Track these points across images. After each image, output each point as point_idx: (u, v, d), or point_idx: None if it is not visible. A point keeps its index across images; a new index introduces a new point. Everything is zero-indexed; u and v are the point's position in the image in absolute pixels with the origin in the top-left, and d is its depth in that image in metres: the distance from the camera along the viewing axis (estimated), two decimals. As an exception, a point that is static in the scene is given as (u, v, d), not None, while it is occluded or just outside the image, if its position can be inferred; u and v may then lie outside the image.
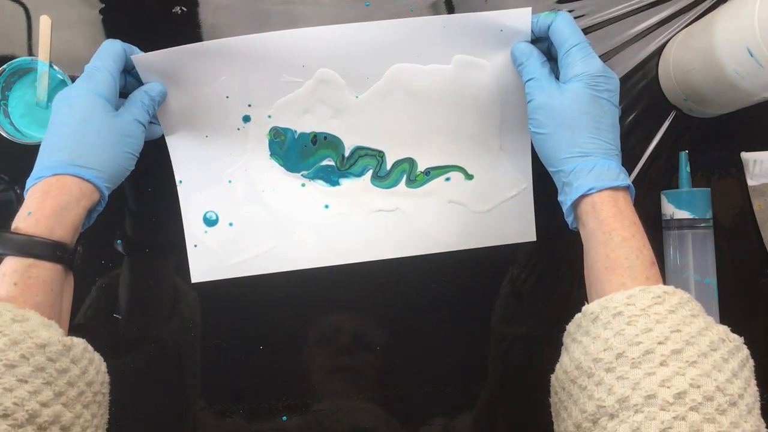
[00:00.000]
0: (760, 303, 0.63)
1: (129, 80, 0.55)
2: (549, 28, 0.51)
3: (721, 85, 0.55)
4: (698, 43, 0.57)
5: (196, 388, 0.62)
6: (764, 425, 0.38)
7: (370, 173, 0.60)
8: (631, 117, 0.63)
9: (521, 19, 0.53)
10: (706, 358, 0.38)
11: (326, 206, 0.60)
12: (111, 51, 0.51)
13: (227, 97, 0.57)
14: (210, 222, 0.60)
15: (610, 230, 0.45)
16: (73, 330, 0.56)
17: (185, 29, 0.62)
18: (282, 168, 0.60)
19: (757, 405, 0.38)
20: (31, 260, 0.43)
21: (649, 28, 0.62)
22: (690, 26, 0.61)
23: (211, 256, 0.60)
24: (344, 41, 0.55)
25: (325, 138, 0.59)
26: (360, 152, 0.59)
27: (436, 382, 0.62)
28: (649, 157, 0.62)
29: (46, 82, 0.56)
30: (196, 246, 0.60)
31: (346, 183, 0.60)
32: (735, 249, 0.63)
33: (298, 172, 0.60)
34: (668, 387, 0.36)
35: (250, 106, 0.58)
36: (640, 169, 0.62)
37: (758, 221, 0.63)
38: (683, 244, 0.60)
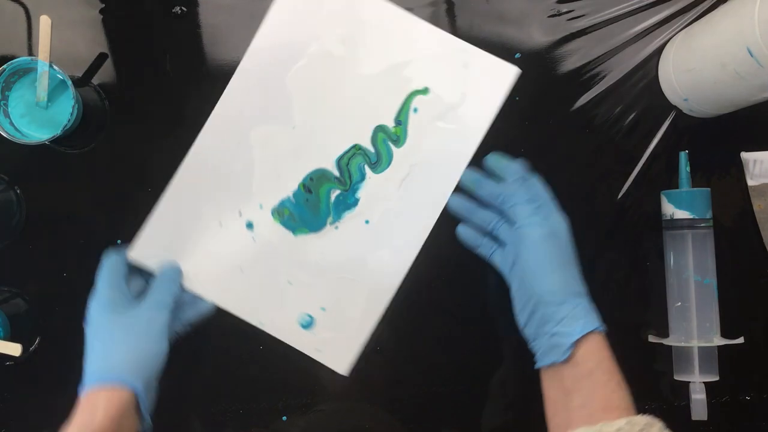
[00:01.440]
0: (760, 303, 0.63)
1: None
2: (498, 174, 0.56)
3: (721, 85, 0.55)
4: (698, 43, 0.57)
5: (197, 388, 0.62)
6: None
7: (368, 168, 0.60)
8: (631, 117, 0.63)
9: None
10: None
11: (367, 222, 0.60)
12: (105, 264, 0.56)
13: (221, 224, 0.59)
14: (306, 324, 0.59)
15: (609, 371, 0.49)
16: (73, 329, 0.56)
17: (185, 29, 0.62)
18: (312, 233, 0.59)
19: None
20: None
21: (649, 28, 0.62)
22: (690, 26, 0.61)
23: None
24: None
25: (311, 179, 0.59)
26: (343, 162, 0.59)
27: (438, 383, 0.62)
28: (649, 157, 0.62)
29: (46, 82, 0.56)
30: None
31: (361, 193, 0.60)
32: (735, 249, 0.63)
33: (324, 224, 0.60)
34: None
35: (241, 215, 0.59)
36: (640, 169, 0.62)
37: (758, 221, 0.63)
38: (683, 244, 0.60)
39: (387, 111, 0.59)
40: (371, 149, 0.59)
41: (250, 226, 0.59)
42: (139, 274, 0.58)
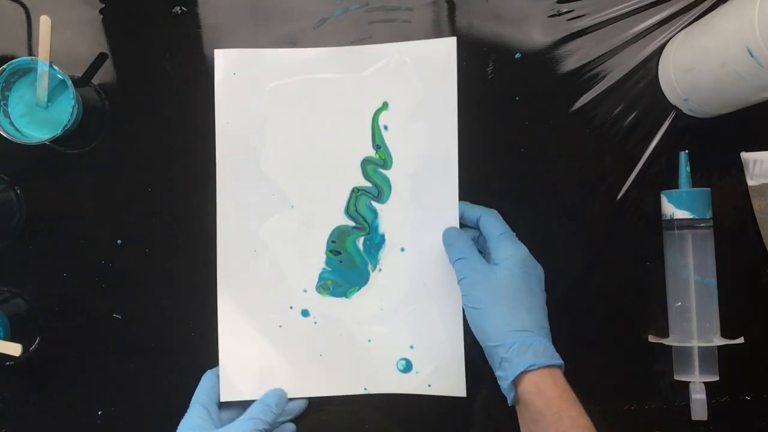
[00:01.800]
0: (760, 303, 0.63)
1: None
2: (478, 220, 0.57)
3: (721, 85, 0.55)
4: (698, 43, 0.57)
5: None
6: None
7: (375, 203, 0.60)
8: (631, 117, 0.62)
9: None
10: None
11: (402, 249, 0.60)
12: (203, 384, 0.58)
13: (281, 326, 0.60)
14: (406, 369, 0.60)
15: (559, 411, 0.48)
16: (74, 329, 0.56)
17: (185, 29, 0.62)
18: (363, 287, 0.60)
19: None
20: None
21: (649, 28, 0.62)
22: (690, 26, 0.61)
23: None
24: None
25: (333, 241, 0.60)
26: (351, 210, 0.60)
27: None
28: (649, 157, 0.62)
29: (46, 82, 0.56)
30: None
31: (382, 228, 0.60)
32: (735, 249, 0.62)
33: (368, 273, 0.60)
34: None
35: (292, 308, 0.60)
36: (640, 169, 0.62)
37: (758, 221, 0.63)
38: (683, 244, 0.60)
39: (363, 143, 0.60)
40: (368, 184, 0.60)
41: (305, 313, 0.60)
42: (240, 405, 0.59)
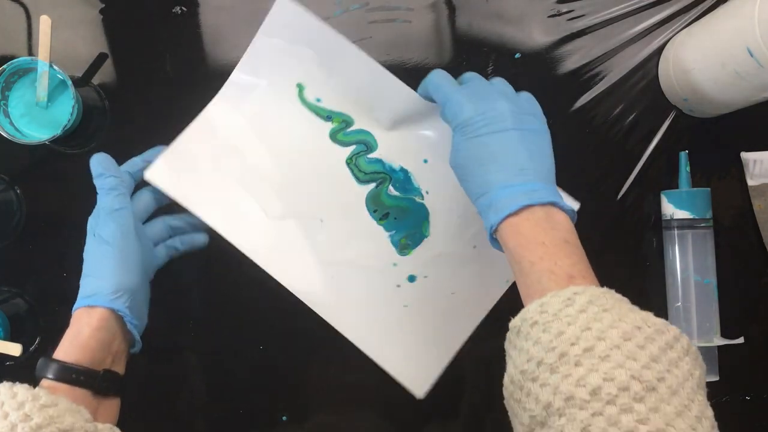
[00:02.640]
0: (760, 303, 0.63)
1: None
2: (429, 87, 0.52)
3: (721, 85, 0.55)
4: (698, 43, 0.57)
5: (197, 388, 0.62)
6: (699, 402, 0.36)
7: (372, 154, 0.60)
8: (631, 117, 0.63)
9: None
10: (619, 349, 0.37)
11: (425, 160, 0.60)
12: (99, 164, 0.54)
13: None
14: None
15: (519, 259, 0.44)
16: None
17: (185, 29, 0.62)
18: (431, 217, 0.60)
19: (690, 383, 0.36)
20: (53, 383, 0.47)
21: (649, 28, 0.62)
22: (690, 26, 0.61)
23: None
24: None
25: (375, 210, 0.59)
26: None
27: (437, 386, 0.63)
28: (649, 157, 0.62)
29: (46, 82, 0.56)
30: None
31: (387, 161, 0.59)
32: (735, 249, 0.63)
33: (421, 202, 0.60)
34: (583, 386, 0.36)
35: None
36: (640, 169, 0.62)
37: (758, 221, 0.63)
38: (683, 244, 0.60)
39: (319, 127, 0.59)
40: (351, 147, 0.59)
41: (412, 278, 0.60)
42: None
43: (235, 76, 0.58)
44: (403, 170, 0.59)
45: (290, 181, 0.59)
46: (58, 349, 0.49)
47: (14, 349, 0.56)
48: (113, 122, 0.62)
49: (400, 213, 0.59)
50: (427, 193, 0.60)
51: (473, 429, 0.62)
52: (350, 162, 0.59)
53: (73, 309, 0.51)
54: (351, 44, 0.56)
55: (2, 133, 0.55)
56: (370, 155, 0.59)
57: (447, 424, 0.62)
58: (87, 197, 0.62)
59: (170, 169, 0.56)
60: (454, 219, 0.59)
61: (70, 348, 0.49)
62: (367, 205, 0.59)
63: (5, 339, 0.58)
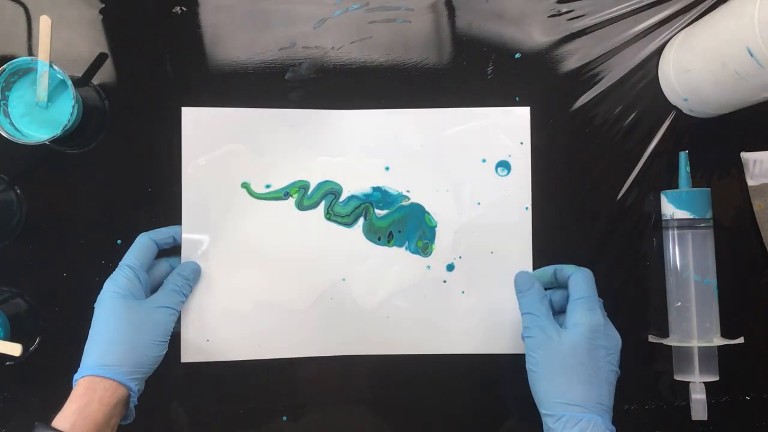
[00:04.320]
0: (760, 303, 0.63)
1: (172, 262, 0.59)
2: (569, 278, 0.54)
3: (721, 85, 0.55)
4: (698, 43, 0.57)
5: (197, 388, 0.62)
6: None
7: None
8: (631, 117, 0.63)
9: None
10: None
11: (387, 168, 0.61)
12: (136, 246, 0.57)
13: None
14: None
15: None
16: (74, 329, 0.56)
17: (185, 29, 0.62)
18: (429, 208, 0.61)
19: None
20: None
21: (649, 28, 0.62)
22: (690, 26, 0.61)
23: None
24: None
25: (379, 238, 0.61)
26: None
27: (436, 388, 0.63)
28: (649, 157, 0.62)
29: (46, 82, 0.56)
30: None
31: (349, 190, 0.61)
32: (735, 249, 0.63)
33: (401, 200, 0.61)
34: None
35: None
36: (640, 169, 0.62)
37: (758, 221, 0.63)
38: (683, 244, 0.60)
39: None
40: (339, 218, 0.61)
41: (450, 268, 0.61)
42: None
43: (185, 237, 0.60)
44: (375, 188, 0.61)
45: (294, 268, 0.60)
46: (62, 416, 0.49)
47: (14, 349, 0.56)
48: (113, 122, 0.62)
49: (400, 224, 0.60)
50: (408, 191, 0.61)
51: (473, 429, 0.62)
52: (329, 216, 0.61)
53: (82, 374, 0.51)
54: (262, 109, 0.59)
55: (2, 133, 0.55)
56: (341, 198, 0.60)
57: (447, 424, 0.62)
58: (87, 197, 0.62)
59: (198, 338, 0.60)
60: (447, 194, 0.61)
61: (79, 419, 0.49)
62: (369, 239, 0.60)
63: (5, 339, 0.58)
